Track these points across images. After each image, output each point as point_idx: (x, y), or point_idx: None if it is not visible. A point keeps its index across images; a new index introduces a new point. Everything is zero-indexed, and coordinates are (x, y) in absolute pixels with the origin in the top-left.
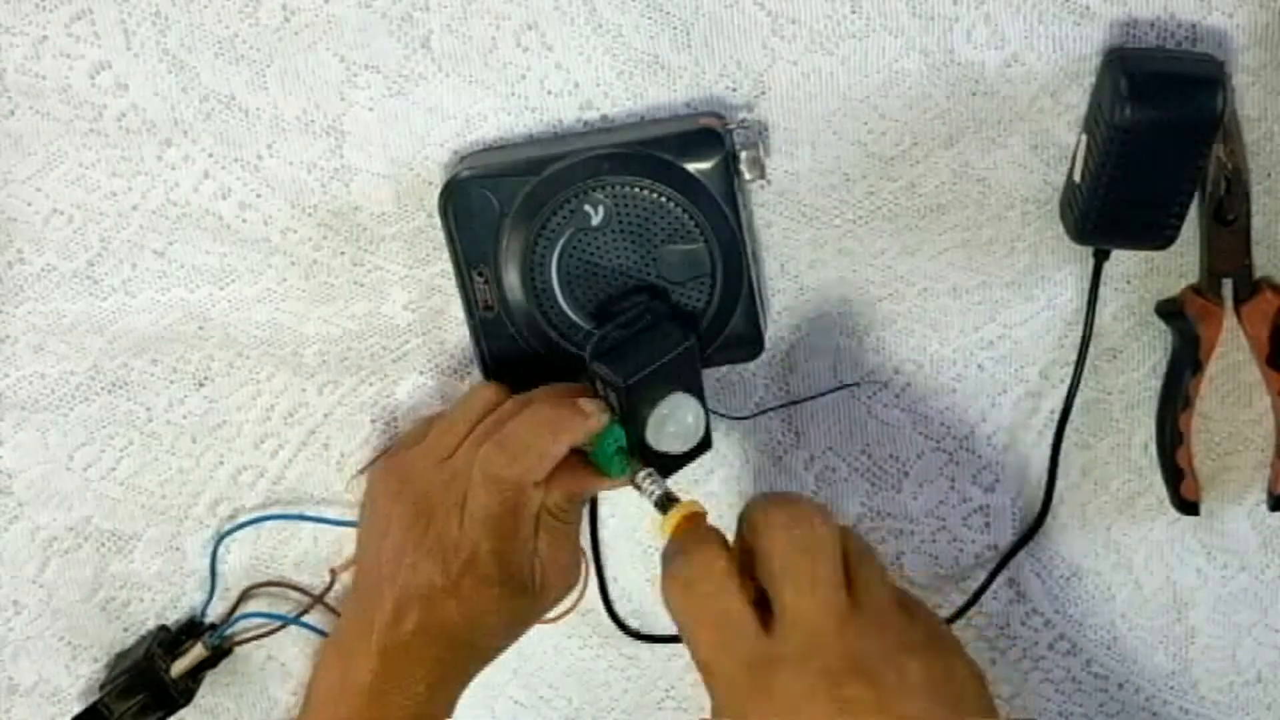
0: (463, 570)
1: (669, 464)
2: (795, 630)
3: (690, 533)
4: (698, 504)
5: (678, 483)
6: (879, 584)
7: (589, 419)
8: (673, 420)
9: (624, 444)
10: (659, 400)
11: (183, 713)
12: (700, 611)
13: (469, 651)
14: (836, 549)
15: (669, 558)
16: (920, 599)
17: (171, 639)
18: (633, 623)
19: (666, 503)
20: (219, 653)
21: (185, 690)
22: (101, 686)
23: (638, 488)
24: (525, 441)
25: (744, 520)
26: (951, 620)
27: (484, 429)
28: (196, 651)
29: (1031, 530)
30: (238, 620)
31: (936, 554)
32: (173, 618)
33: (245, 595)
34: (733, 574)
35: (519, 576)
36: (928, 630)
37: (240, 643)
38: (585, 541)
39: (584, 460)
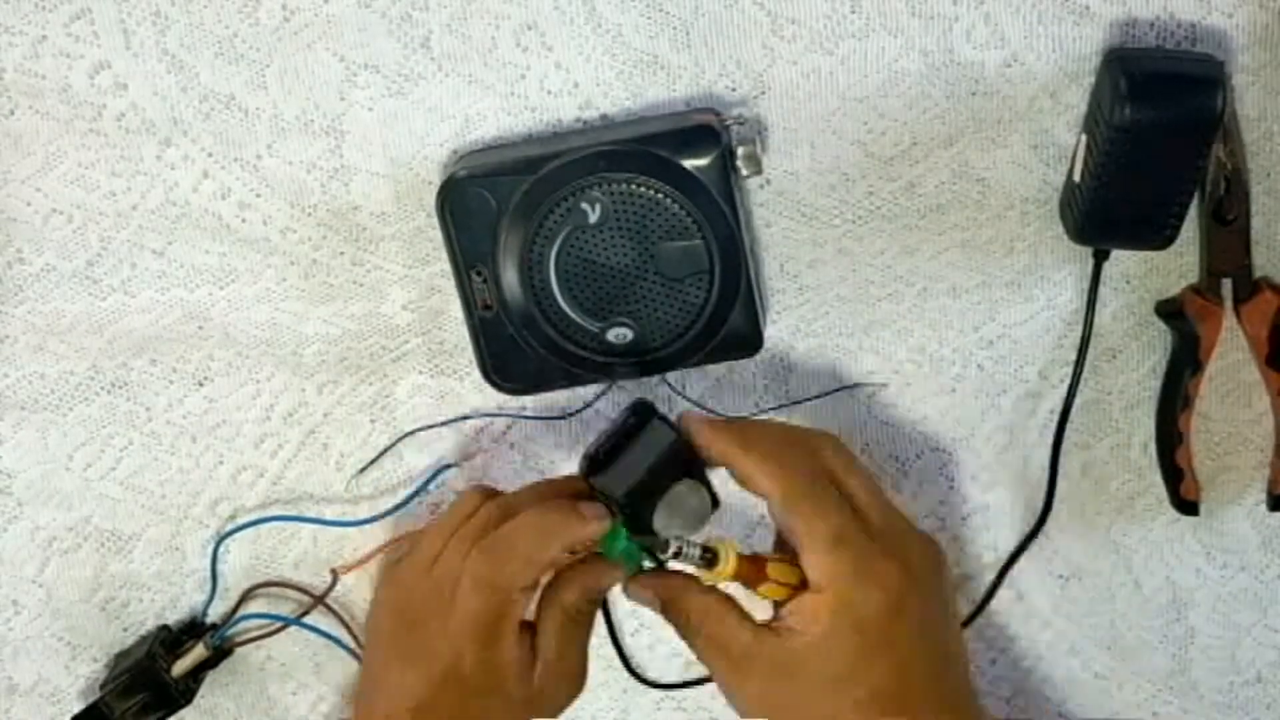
0: (445, 678)
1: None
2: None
3: (674, 586)
4: (731, 542)
5: None
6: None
7: (588, 524)
8: (679, 511)
9: (628, 540)
10: (662, 494)
11: (183, 713)
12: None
13: None
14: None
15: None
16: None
17: (173, 639)
18: (634, 625)
19: (711, 556)
20: (220, 653)
21: (186, 690)
22: (102, 686)
23: (676, 559)
24: (512, 546)
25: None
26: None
27: (468, 531)
28: (198, 652)
29: (1034, 531)
30: (239, 621)
31: None
32: (173, 618)
33: (246, 596)
34: (727, 607)
35: (506, 686)
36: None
37: (241, 643)
38: None
39: (598, 556)
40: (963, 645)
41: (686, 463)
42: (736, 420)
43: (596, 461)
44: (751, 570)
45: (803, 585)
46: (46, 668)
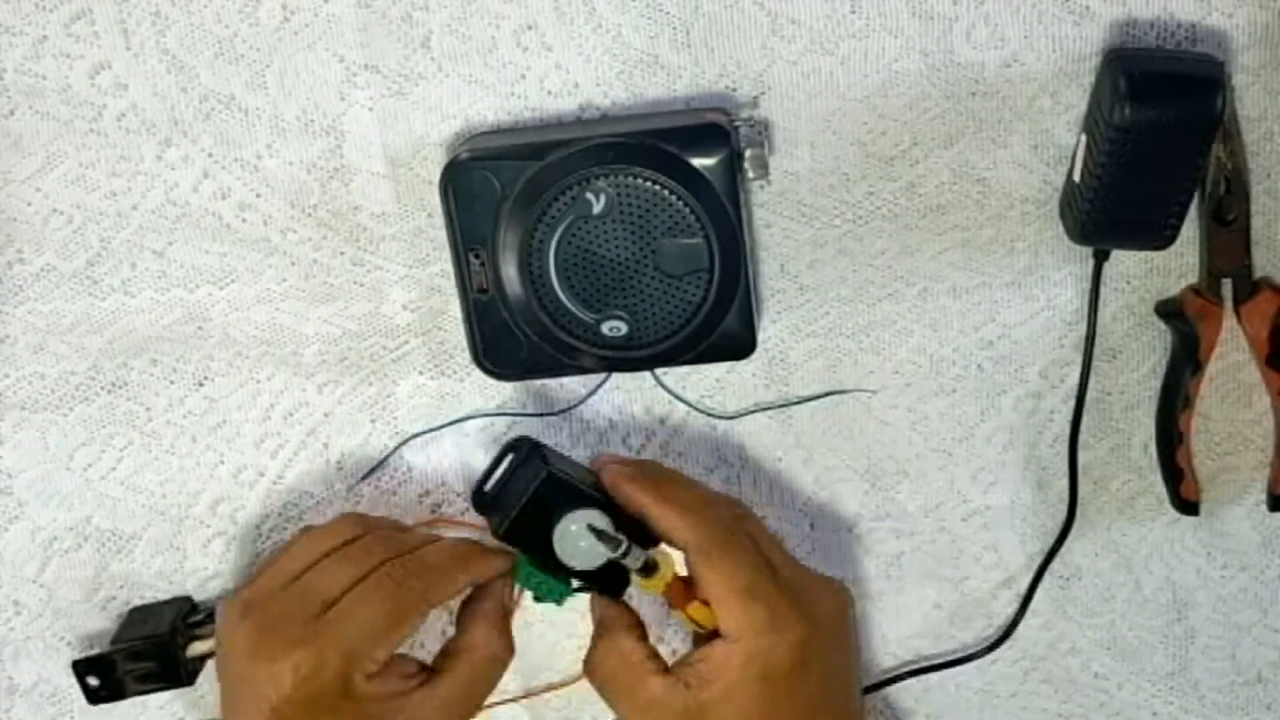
0: (301, 684)
1: (609, 577)
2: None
3: (602, 621)
4: (672, 560)
5: None
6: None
7: (497, 559)
8: (575, 539)
9: (534, 572)
10: (553, 525)
11: (182, 713)
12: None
13: None
14: None
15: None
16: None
17: (198, 620)
18: None
19: (651, 566)
20: None
21: (192, 671)
22: (114, 640)
23: (624, 559)
24: (431, 564)
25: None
26: (993, 648)
27: (353, 552)
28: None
29: (1061, 538)
30: None
31: (936, 554)
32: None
33: None
34: (641, 655)
35: (368, 701)
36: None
37: None
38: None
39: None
40: (859, 692)
41: (572, 495)
42: (651, 470)
43: (481, 496)
44: (681, 592)
45: (715, 631)
46: (47, 668)
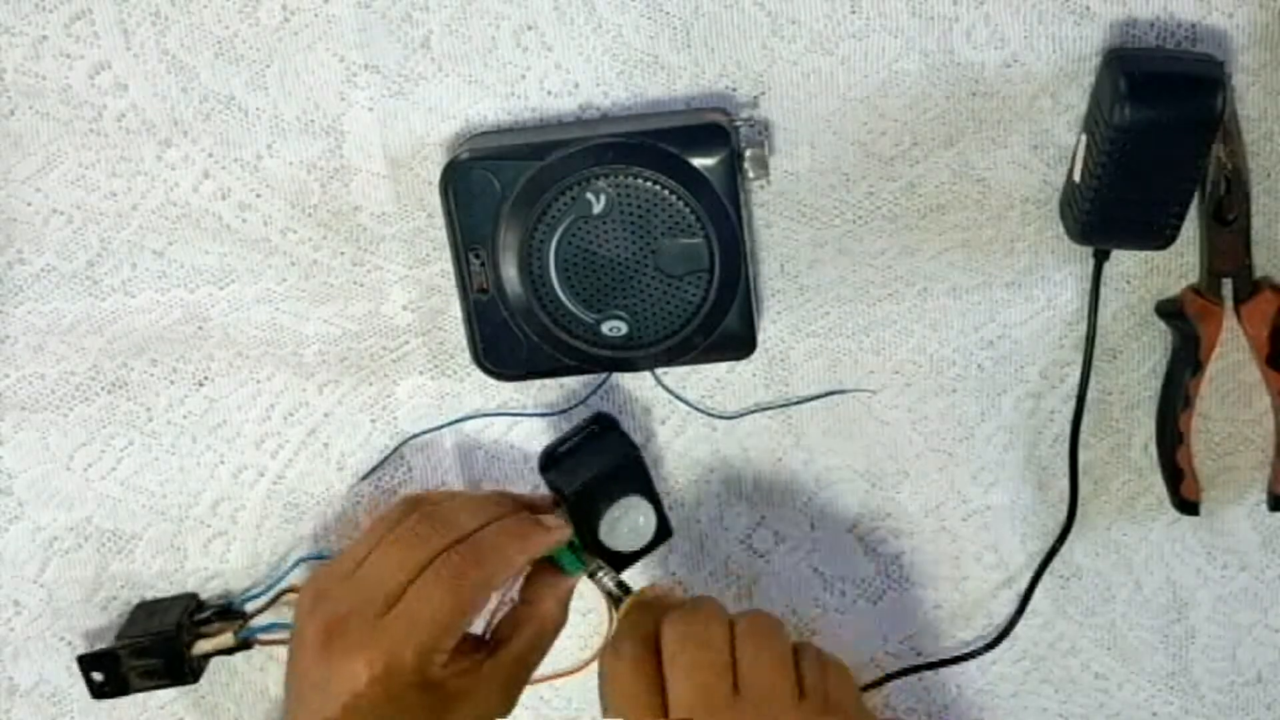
0: (377, 676)
1: (626, 559)
2: (676, 713)
3: (624, 624)
4: (646, 591)
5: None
6: (771, 675)
7: (552, 533)
8: (625, 522)
9: (576, 544)
10: (611, 504)
11: (182, 713)
12: (618, 703)
13: None
14: (721, 637)
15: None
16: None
17: (204, 618)
18: None
19: (620, 592)
20: (242, 645)
21: (197, 669)
22: (119, 635)
23: (594, 580)
24: (490, 548)
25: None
26: (992, 646)
27: (401, 534)
28: (224, 639)
29: (1061, 538)
30: (272, 628)
31: (936, 554)
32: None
33: (282, 596)
34: (644, 665)
35: (445, 681)
36: None
37: (265, 643)
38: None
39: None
40: None
41: (641, 480)
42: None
43: (553, 458)
44: None
45: None
46: (47, 668)
